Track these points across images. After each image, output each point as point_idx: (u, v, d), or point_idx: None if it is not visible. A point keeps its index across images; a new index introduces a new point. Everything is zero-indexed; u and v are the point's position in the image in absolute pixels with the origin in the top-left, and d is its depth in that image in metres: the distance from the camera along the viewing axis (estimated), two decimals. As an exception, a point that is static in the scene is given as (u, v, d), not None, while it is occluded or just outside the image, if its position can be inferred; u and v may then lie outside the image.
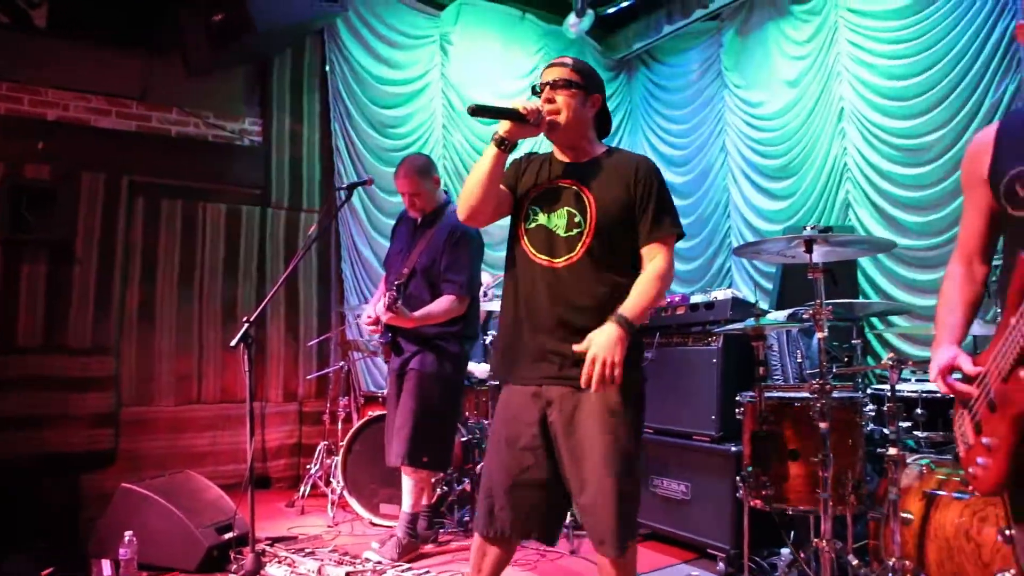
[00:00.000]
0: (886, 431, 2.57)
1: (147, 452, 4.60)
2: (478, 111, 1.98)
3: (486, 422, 4.04)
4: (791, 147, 5.27)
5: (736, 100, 5.74)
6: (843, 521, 2.69)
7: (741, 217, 5.66)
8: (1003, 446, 1.34)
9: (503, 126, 2.00)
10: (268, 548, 3.32)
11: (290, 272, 3.38)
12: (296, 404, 5.22)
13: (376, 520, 3.85)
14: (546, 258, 2.04)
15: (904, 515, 2.46)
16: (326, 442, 4.47)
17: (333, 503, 4.05)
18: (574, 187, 2.06)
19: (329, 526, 3.91)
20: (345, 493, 3.94)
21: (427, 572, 3.09)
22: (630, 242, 2.05)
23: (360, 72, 5.51)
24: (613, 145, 2.36)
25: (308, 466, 4.49)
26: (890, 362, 2.54)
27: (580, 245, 2.01)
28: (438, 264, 3.38)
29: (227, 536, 3.13)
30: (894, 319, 4.52)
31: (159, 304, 4.79)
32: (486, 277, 3.84)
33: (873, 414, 2.87)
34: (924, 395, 2.86)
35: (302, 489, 4.36)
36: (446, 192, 3.65)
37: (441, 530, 3.68)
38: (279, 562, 3.12)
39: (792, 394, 2.77)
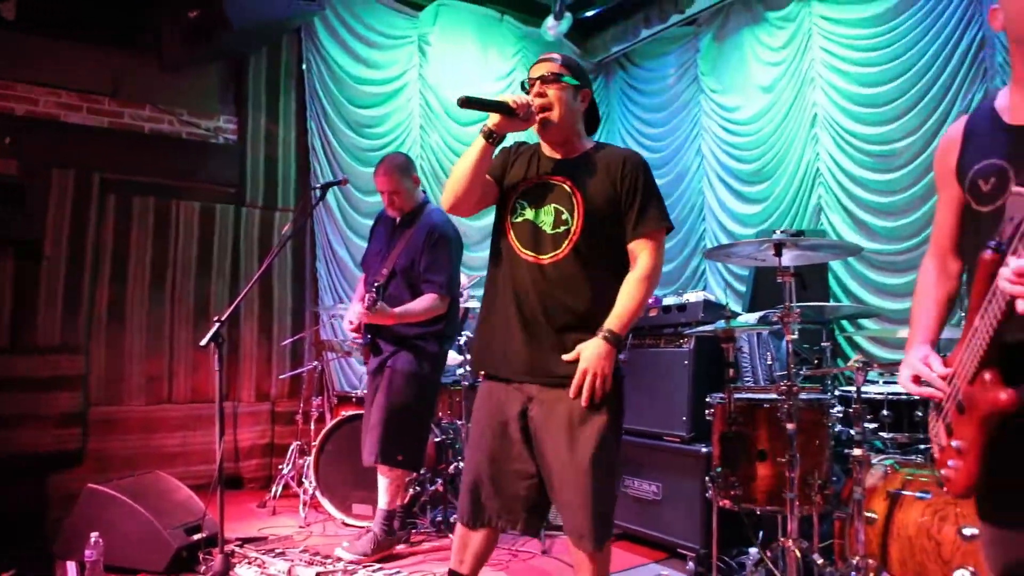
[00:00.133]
0: (853, 432, 2.61)
1: (116, 452, 4.54)
2: (468, 103, 1.99)
3: (460, 422, 4.04)
4: (765, 151, 5.33)
5: (712, 104, 5.79)
6: (810, 521, 2.73)
7: (716, 220, 5.71)
8: (972, 448, 1.33)
9: (492, 119, 2.01)
10: (238, 549, 3.29)
11: (264, 271, 3.35)
12: (269, 404, 5.18)
13: (349, 520, 3.83)
14: (532, 254, 2.05)
15: (868, 514, 2.50)
16: (299, 442, 4.43)
17: (305, 503, 4.02)
18: (563, 184, 2.07)
19: (301, 527, 3.88)
20: (317, 493, 3.92)
21: (398, 572, 3.08)
22: (618, 239, 2.07)
23: (337, 71, 5.49)
24: (593, 145, 2.38)
25: (280, 466, 4.46)
26: (856, 364, 2.59)
27: (567, 243, 2.02)
28: (418, 264, 3.38)
29: (196, 537, 3.09)
30: (864, 322, 4.57)
31: (130, 303, 4.73)
32: (463, 278, 3.83)
33: (841, 415, 2.91)
34: (890, 396, 2.90)
35: (274, 490, 4.33)
36: (424, 192, 3.65)
37: (413, 530, 3.68)
38: (249, 563, 3.10)
39: (760, 396, 2.80)
